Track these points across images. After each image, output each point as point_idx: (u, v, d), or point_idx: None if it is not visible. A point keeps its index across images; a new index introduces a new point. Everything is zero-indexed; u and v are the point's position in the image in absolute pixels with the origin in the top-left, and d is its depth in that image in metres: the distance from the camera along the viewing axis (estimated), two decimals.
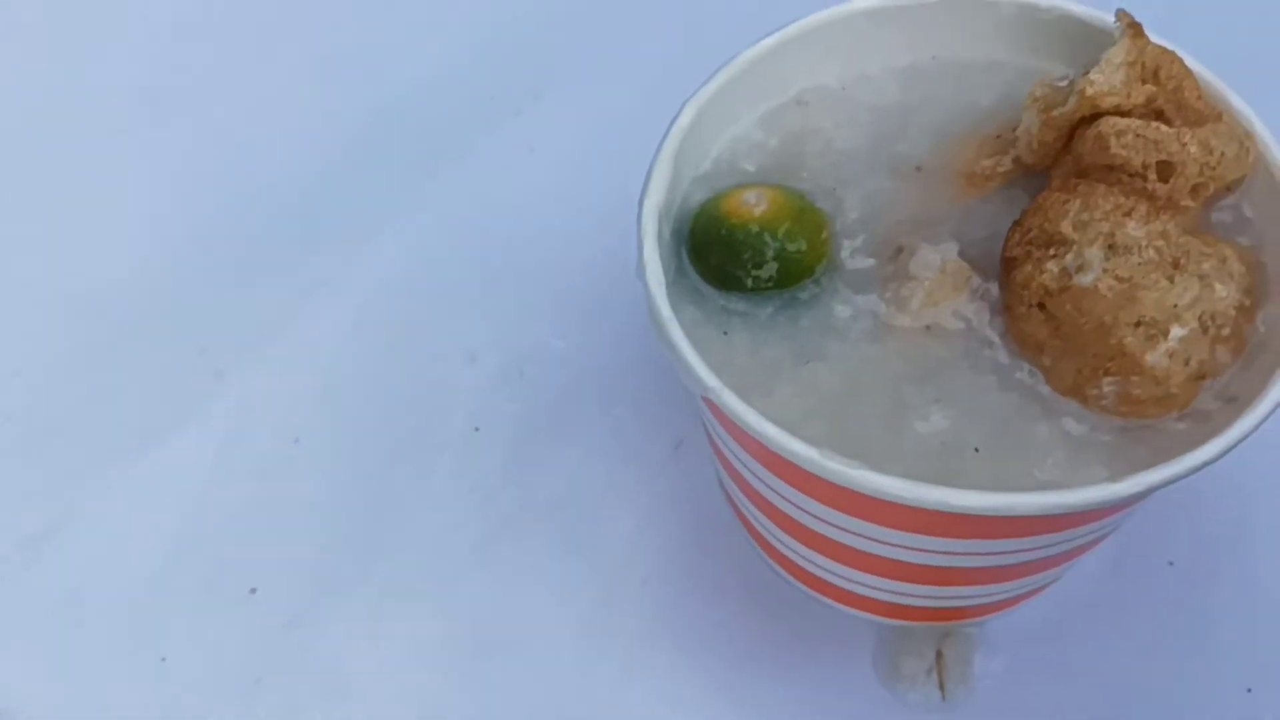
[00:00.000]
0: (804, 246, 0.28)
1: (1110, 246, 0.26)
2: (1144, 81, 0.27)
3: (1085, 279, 0.26)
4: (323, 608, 0.34)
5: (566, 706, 0.33)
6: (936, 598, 0.31)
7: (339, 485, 0.36)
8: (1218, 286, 0.26)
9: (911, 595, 0.30)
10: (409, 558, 0.35)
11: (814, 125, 0.31)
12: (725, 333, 0.27)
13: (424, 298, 0.40)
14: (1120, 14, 0.28)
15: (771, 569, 0.34)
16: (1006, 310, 0.27)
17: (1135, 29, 0.28)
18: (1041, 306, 0.26)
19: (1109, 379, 0.26)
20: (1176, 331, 0.25)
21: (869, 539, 0.27)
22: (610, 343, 0.38)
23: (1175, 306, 0.25)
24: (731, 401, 0.25)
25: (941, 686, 0.32)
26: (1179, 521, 0.35)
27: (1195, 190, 0.27)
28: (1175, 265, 0.26)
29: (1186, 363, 0.25)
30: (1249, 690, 0.32)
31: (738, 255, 0.28)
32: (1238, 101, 0.29)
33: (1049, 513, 0.24)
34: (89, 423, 0.37)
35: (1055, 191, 0.27)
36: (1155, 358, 0.25)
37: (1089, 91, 0.27)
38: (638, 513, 0.35)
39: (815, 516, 0.28)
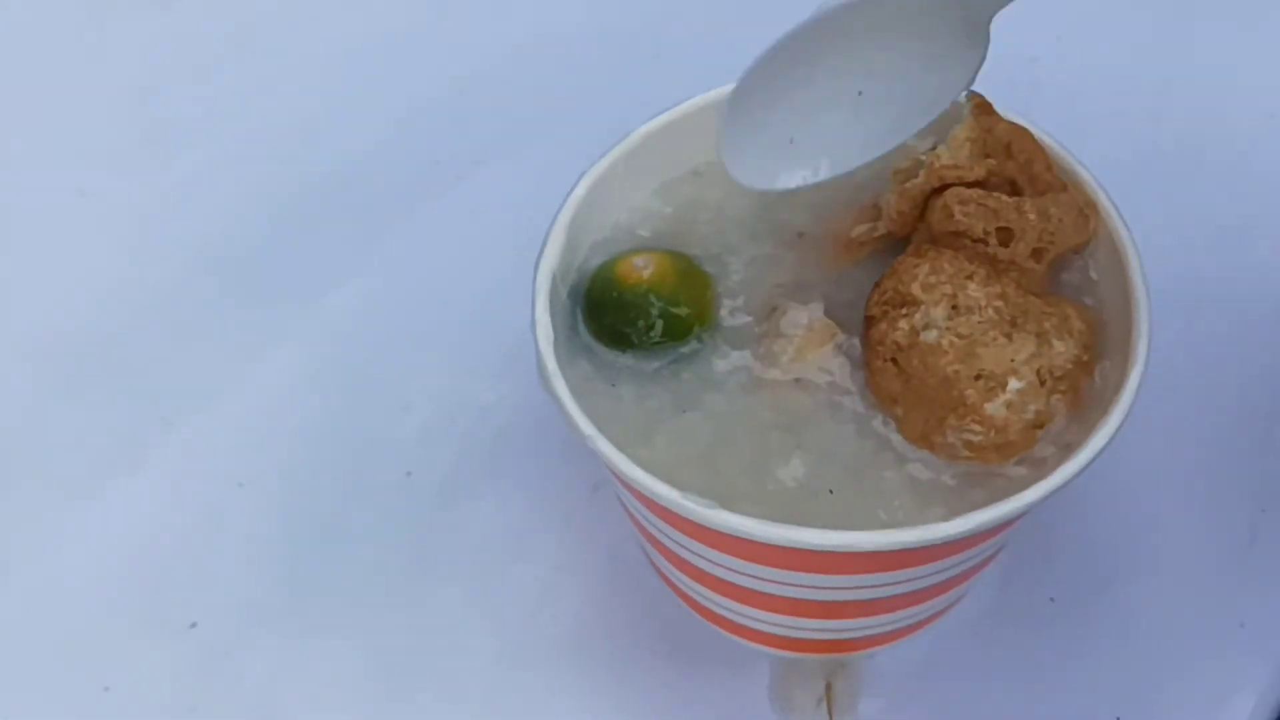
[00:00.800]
0: (687, 307, 0.31)
1: (954, 307, 0.29)
2: (987, 155, 0.30)
3: (930, 336, 0.28)
4: (254, 641, 0.36)
5: None
6: (820, 630, 0.33)
7: (278, 526, 0.39)
8: (1055, 343, 0.29)
9: (795, 628, 0.33)
10: (336, 596, 0.37)
11: (707, 195, 0.34)
12: (613, 385, 0.30)
13: (364, 352, 0.42)
14: (971, 94, 0.31)
15: (676, 604, 0.36)
16: (865, 365, 0.30)
17: (982, 108, 0.31)
18: (894, 361, 0.29)
19: (953, 427, 0.28)
20: (1014, 384, 0.28)
21: (745, 575, 0.30)
22: (536, 396, 0.40)
23: (1013, 361, 0.28)
24: (605, 448, 0.28)
25: (830, 716, 0.34)
26: (1061, 559, 0.37)
27: (1036, 254, 0.30)
28: (1013, 324, 0.28)
29: (1024, 412, 0.28)
30: (1118, 718, 0.34)
31: (627, 314, 0.31)
32: (1085, 173, 0.32)
33: (888, 548, 0.26)
34: (41, 464, 0.40)
35: (909, 256, 0.30)
36: (994, 408, 0.28)
37: (935, 165, 0.30)
38: (554, 552, 0.38)
39: (696, 554, 0.30)
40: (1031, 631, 0.36)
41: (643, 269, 0.31)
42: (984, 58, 0.29)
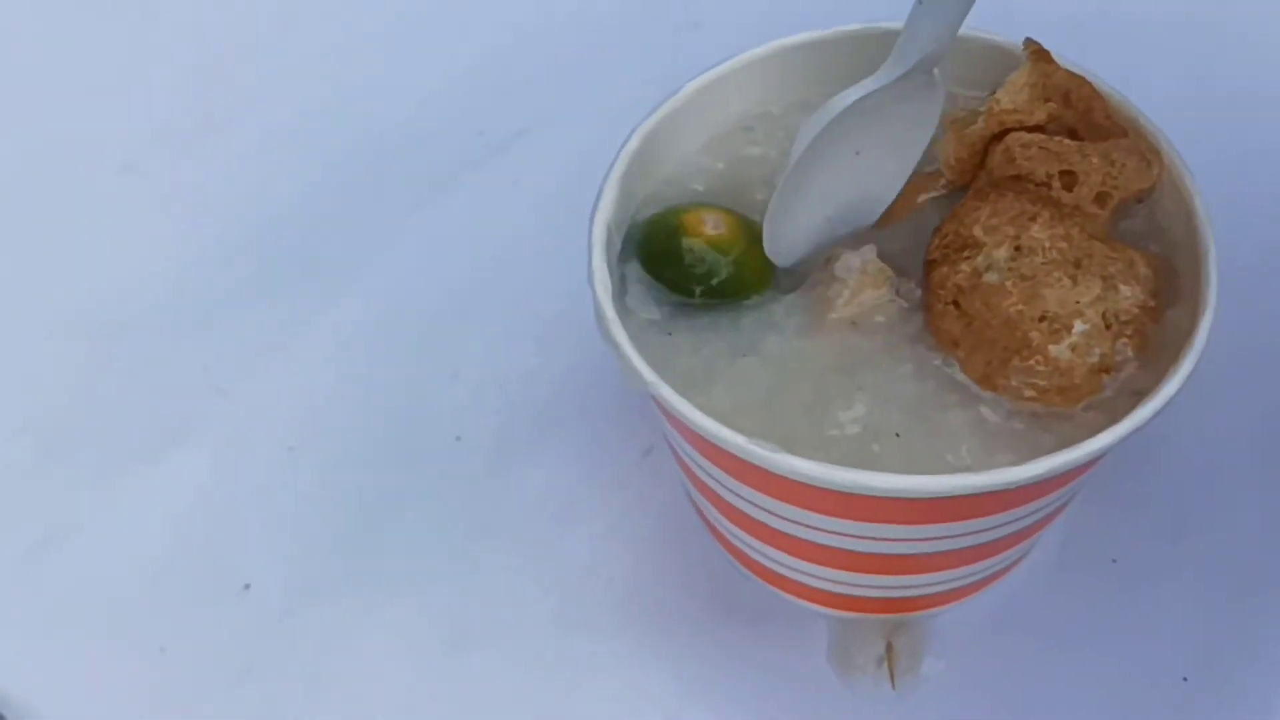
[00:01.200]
0: (750, 269, 0.31)
1: (1016, 248, 0.28)
2: (1047, 100, 0.30)
3: (992, 278, 0.28)
4: (310, 604, 0.36)
5: (536, 696, 0.34)
6: (881, 587, 0.32)
7: (329, 490, 0.39)
8: (1122, 288, 0.28)
9: (857, 585, 0.32)
10: (391, 559, 0.37)
11: (756, 151, 0.33)
12: (669, 334, 0.30)
13: (411, 320, 0.42)
14: (1027, 42, 0.30)
15: (732, 565, 0.36)
16: (926, 309, 0.29)
17: (1039, 55, 0.30)
18: (956, 304, 0.28)
19: (1017, 369, 0.28)
20: (1079, 326, 0.27)
21: (805, 526, 0.29)
22: (584, 361, 0.41)
23: (1078, 303, 0.28)
24: (668, 395, 0.27)
25: (891, 676, 0.34)
26: (1122, 521, 0.36)
27: (1100, 198, 0.29)
28: (1077, 266, 0.28)
29: (1089, 355, 0.27)
30: (1185, 679, 0.33)
31: (691, 269, 0.31)
32: (1146, 121, 0.31)
33: (955, 493, 0.26)
34: (99, 434, 0.40)
35: (970, 200, 0.29)
36: (1059, 350, 0.27)
37: (995, 110, 0.30)
38: (607, 515, 0.37)
39: (756, 505, 0.30)
40: (1094, 593, 0.35)
41: (713, 227, 0.31)
42: (943, 95, 0.30)
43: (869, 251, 0.30)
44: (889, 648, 0.34)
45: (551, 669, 0.35)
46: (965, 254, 0.28)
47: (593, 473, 0.38)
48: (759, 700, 0.34)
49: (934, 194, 0.32)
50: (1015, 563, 0.35)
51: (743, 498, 0.30)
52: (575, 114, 0.47)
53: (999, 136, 0.30)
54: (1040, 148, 0.29)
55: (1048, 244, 0.28)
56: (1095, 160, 0.29)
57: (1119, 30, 0.46)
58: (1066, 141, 0.29)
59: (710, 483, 0.31)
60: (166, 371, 0.41)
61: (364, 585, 0.37)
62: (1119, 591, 0.35)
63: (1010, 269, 0.28)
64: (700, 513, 0.35)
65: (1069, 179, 0.29)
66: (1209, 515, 0.36)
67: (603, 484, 0.38)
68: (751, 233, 0.31)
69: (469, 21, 0.50)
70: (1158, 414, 0.26)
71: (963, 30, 0.32)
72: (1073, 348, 0.27)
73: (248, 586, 0.37)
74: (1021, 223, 0.28)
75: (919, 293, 0.30)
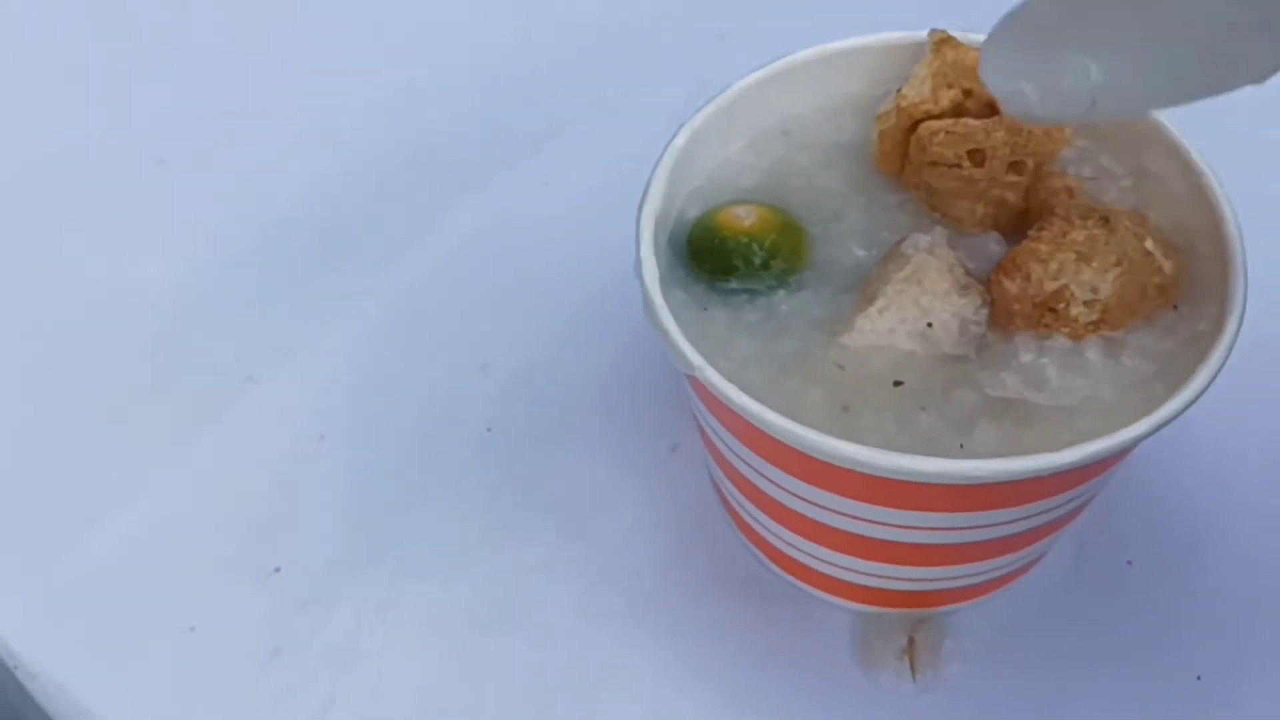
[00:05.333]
0: (786, 256, 0.32)
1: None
2: (949, 87, 0.32)
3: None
4: (339, 587, 0.37)
5: (560, 683, 0.35)
6: (906, 579, 0.33)
7: (358, 477, 0.39)
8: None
9: (882, 576, 0.33)
10: (419, 545, 0.37)
11: (796, 156, 0.34)
12: (705, 309, 0.31)
13: (442, 313, 0.43)
14: (932, 32, 0.33)
15: (756, 559, 0.36)
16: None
17: (941, 43, 0.32)
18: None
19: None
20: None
21: (838, 513, 0.30)
22: (614, 356, 0.42)
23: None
24: (714, 378, 0.28)
25: (913, 670, 0.35)
26: (1137, 524, 0.37)
27: (1013, 167, 0.31)
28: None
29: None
30: (1198, 678, 0.34)
31: (729, 260, 0.32)
32: (1168, 126, 0.32)
33: (997, 479, 0.27)
34: (132, 419, 0.40)
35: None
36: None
37: (902, 104, 0.32)
38: (634, 508, 0.38)
39: (789, 492, 0.30)
40: (1110, 594, 0.36)
41: (744, 218, 0.32)
42: None
43: (940, 235, 0.31)
44: (910, 642, 0.35)
45: (575, 659, 0.35)
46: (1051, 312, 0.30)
47: (620, 467, 0.39)
48: (781, 692, 0.35)
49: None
50: (1035, 561, 0.35)
51: (776, 484, 0.31)
52: (605, 117, 0.48)
53: (912, 128, 0.32)
54: (946, 132, 0.31)
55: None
56: (1000, 134, 0.31)
57: None
58: (971, 122, 0.31)
59: (744, 469, 0.32)
60: (200, 358, 0.42)
61: (392, 571, 0.37)
62: (1134, 592, 0.36)
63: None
64: (728, 506, 0.36)
65: (977, 155, 0.31)
66: (1223, 518, 0.37)
67: (630, 478, 0.39)
68: (783, 220, 0.32)
69: (496, 25, 0.51)
70: (1189, 405, 0.27)
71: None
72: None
73: (278, 569, 0.37)
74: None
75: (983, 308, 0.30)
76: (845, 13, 0.37)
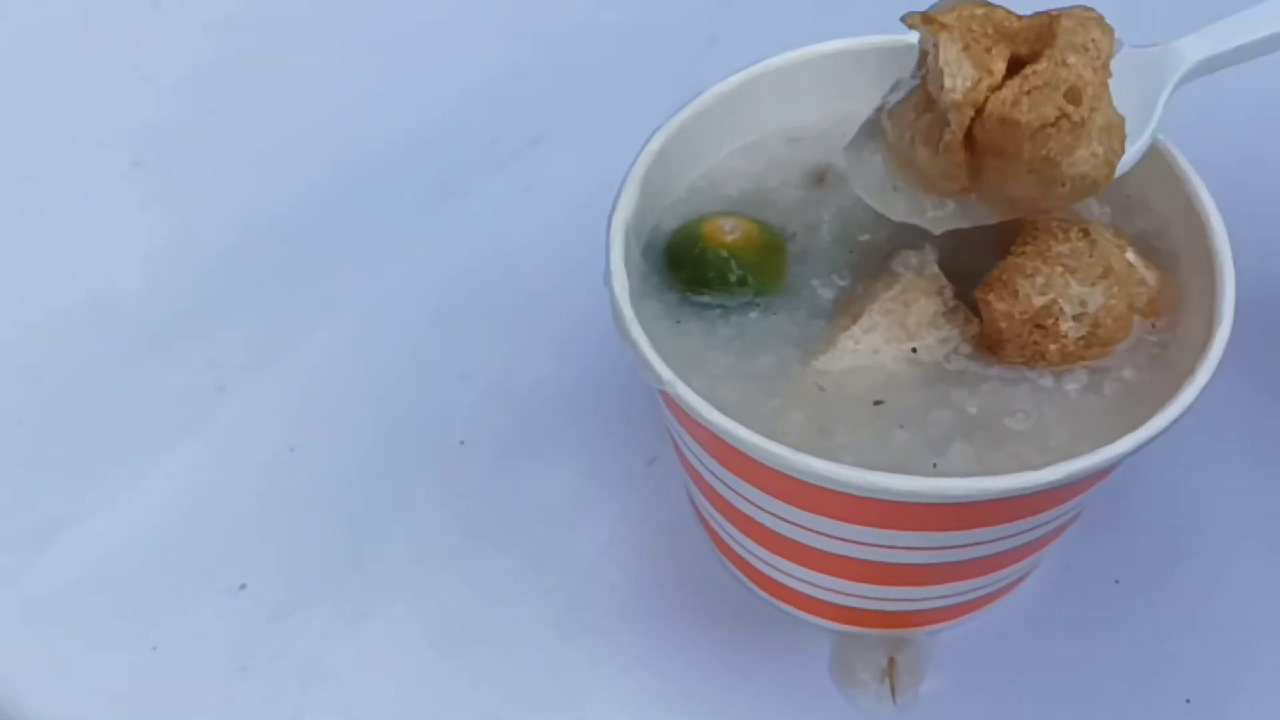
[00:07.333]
0: (763, 276, 0.31)
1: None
2: (989, 50, 0.27)
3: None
4: (307, 603, 0.36)
5: (533, 700, 0.34)
6: (886, 599, 0.32)
7: (329, 491, 0.38)
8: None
9: (862, 597, 0.32)
10: (391, 559, 0.37)
11: (785, 159, 0.33)
12: (678, 321, 0.30)
13: (421, 322, 0.42)
14: (908, 17, 0.28)
15: (734, 577, 0.36)
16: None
17: (933, 25, 0.27)
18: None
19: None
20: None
21: (815, 532, 0.29)
22: (592, 368, 0.41)
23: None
24: (684, 393, 0.27)
25: (893, 692, 0.34)
26: (1125, 542, 0.36)
27: (1102, 80, 0.28)
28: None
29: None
30: (1188, 701, 0.33)
31: (704, 272, 0.31)
32: (1156, 134, 0.31)
33: (976, 498, 0.26)
34: (97, 427, 0.39)
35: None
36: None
37: (958, 100, 0.27)
38: (609, 523, 0.37)
39: (766, 511, 0.30)
40: (1097, 613, 0.35)
41: (729, 232, 0.31)
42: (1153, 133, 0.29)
43: (931, 254, 0.29)
44: (891, 663, 0.34)
45: (549, 675, 0.35)
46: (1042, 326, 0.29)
47: (596, 480, 0.38)
48: (759, 713, 0.34)
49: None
50: (1018, 581, 0.34)
51: (752, 502, 0.30)
52: (588, 123, 0.47)
53: (977, 119, 0.27)
54: (1025, 93, 0.27)
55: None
56: (1072, 59, 0.27)
57: None
58: (1039, 68, 0.27)
59: (719, 487, 0.31)
60: (169, 366, 0.41)
61: (362, 586, 0.36)
62: (1122, 613, 0.35)
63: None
64: (705, 523, 0.35)
65: (1074, 95, 0.27)
66: (1212, 537, 0.36)
67: (606, 492, 0.38)
68: (768, 237, 0.31)
69: (482, 31, 0.50)
70: (1174, 423, 0.27)
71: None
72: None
73: (244, 586, 0.36)
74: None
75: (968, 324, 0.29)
76: (837, 18, 0.36)
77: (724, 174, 0.33)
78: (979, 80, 0.27)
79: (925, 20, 0.27)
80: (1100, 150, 0.27)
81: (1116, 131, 0.28)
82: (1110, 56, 0.28)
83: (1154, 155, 0.31)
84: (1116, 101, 0.28)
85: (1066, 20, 0.28)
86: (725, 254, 0.31)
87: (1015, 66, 0.27)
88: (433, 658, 0.35)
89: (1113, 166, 0.28)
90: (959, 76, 0.27)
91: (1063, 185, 0.27)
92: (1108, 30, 0.28)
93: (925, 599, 0.32)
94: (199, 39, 0.51)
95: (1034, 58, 0.27)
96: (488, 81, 0.48)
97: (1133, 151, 0.29)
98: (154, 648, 0.35)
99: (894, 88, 0.30)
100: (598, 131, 0.46)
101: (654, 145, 0.31)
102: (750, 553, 0.33)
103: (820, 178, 0.33)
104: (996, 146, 0.27)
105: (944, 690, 0.34)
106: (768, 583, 0.34)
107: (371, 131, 0.47)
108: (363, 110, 0.48)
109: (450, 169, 0.46)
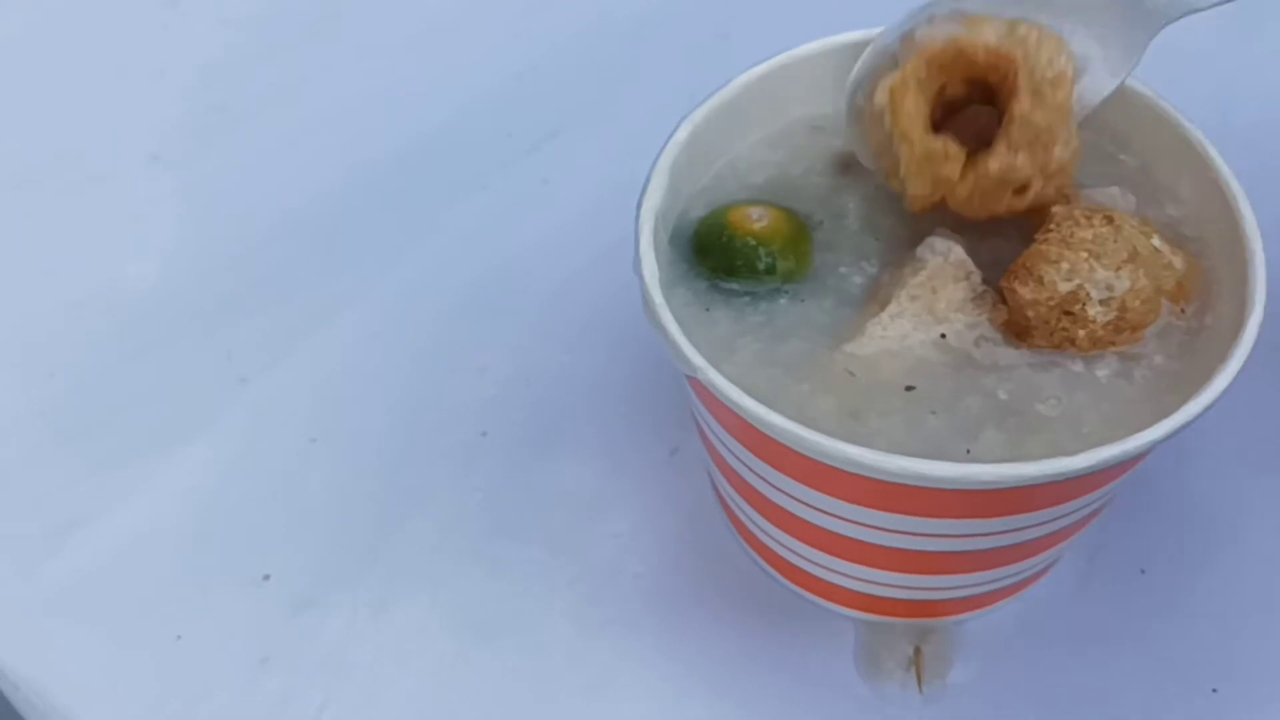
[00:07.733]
0: (791, 263, 0.31)
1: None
2: (943, 136, 0.30)
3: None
4: (330, 594, 0.36)
5: (555, 692, 0.34)
6: (912, 588, 0.32)
7: (351, 482, 0.38)
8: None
9: (887, 585, 0.32)
10: (413, 551, 0.37)
11: (810, 150, 0.33)
12: (707, 309, 0.30)
13: (440, 315, 0.42)
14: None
15: (758, 565, 0.35)
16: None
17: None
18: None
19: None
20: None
21: (843, 519, 0.29)
22: (612, 360, 0.41)
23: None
24: (716, 379, 0.27)
25: (919, 682, 0.34)
26: (1151, 532, 0.36)
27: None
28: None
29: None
30: (1214, 690, 0.33)
31: (732, 260, 0.31)
32: (1184, 122, 0.31)
33: (1010, 484, 0.26)
34: (119, 420, 0.39)
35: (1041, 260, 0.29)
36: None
37: (915, 205, 0.30)
38: (632, 513, 0.37)
39: (792, 496, 0.30)
40: (1123, 603, 0.35)
41: (756, 220, 0.31)
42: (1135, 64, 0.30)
43: (957, 240, 0.29)
44: (917, 652, 0.34)
45: (572, 666, 0.34)
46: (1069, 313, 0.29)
47: (619, 471, 0.38)
48: (783, 703, 0.34)
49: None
50: (1044, 570, 0.34)
51: (780, 489, 0.30)
52: (603, 117, 0.47)
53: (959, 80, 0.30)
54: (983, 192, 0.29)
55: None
56: (1021, 159, 0.29)
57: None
58: (991, 168, 0.29)
59: (746, 474, 0.31)
60: (190, 359, 0.41)
61: (384, 577, 0.36)
62: (1148, 602, 0.35)
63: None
64: (728, 511, 0.35)
65: (1023, 189, 0.29)
66: (1238, 527, 0.36)
67: (629, 483, 0.38)
68: (794, 224, 0.31)
69: (498, 27, 0.50)
70: (1206, 410, 0.26)
71: None
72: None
73: (267, 577, 0.36)
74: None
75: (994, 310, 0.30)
76: (845, 12, 0.36)
77: (749, 163, 0.33)
78: (934, 190, 0.30)
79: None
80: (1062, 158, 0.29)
81: (1073, 143, 0.29)
82: (1071, 81, 0.29)
83: (1183, 144, 0.31)
84: (1095, 39, 0.29)
85: (1025, 60, 0.29)
86: (753, 241, 0.31)
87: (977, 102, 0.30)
88: (455, 649, 0.35)
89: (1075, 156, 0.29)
90: (917, 184, 0.30)
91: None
92: (1064, 49, 0.29)
93: (953, 588, 0.32)
94: (216, 35, 0.51)
95: (1001, 85, 0.29)
96: (504, 77, 0.48)
97: (1111, 88, 0.30)
98: (178, 638, 0.35)
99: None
100: (613, 125, 0.46)
101: (681, 134, 0.31)
102: (777, 541, 0.33)
103: (845, 166, 0.33)
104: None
105: (970, 680, 0.34)
106: (794, 571, 0.34)
107: (389, 125, 0.47)
108: (380, 104, 0.48)
109: (467, 163, 0.46)
